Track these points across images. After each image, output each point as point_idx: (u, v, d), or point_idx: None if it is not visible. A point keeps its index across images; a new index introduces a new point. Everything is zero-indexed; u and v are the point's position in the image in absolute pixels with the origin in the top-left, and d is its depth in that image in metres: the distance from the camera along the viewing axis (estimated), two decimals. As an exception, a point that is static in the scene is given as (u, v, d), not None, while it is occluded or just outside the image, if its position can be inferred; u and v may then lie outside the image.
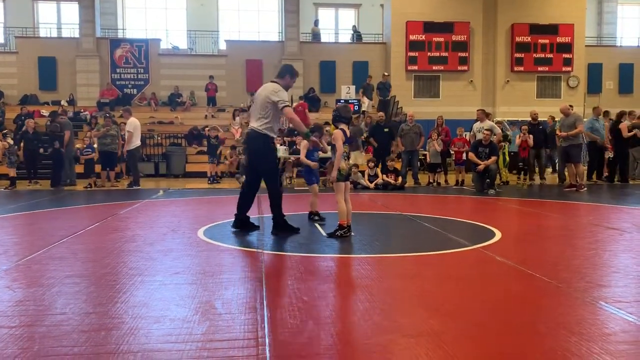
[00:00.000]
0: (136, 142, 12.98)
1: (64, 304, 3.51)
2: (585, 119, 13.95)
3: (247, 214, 6.39)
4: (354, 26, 24.06)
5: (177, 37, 24.03)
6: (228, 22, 24.95)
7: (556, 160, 15.03)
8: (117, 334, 2.94)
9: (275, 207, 6.17)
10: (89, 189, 12.54)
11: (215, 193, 11.75)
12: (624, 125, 13.28)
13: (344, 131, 5.94)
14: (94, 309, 3.41)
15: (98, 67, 21.22)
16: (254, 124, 6.11)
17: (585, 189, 11.42)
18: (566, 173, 12.27)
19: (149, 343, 2.83)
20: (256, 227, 6.40)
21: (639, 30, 25.47)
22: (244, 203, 6.31)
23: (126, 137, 12.75)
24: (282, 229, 6.14)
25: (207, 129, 15.95)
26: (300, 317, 3.22)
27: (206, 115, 19.86)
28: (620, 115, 13.65)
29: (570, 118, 11.77)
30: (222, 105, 20.99)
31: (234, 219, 6.38)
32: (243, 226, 6.33)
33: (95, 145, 13.64)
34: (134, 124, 12.91)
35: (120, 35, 23.21)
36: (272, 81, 6.26)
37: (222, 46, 23.14)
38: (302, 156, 7.42)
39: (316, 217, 7.13)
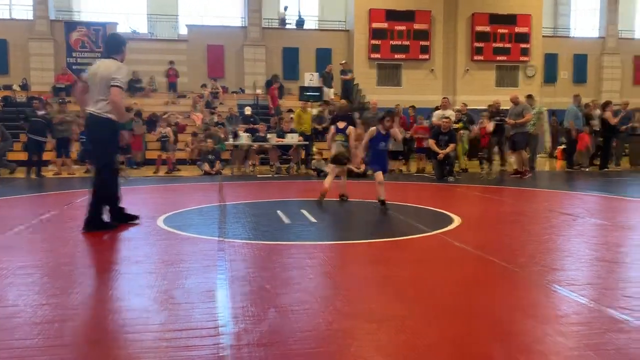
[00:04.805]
0: None
1: (16, 296, 3.39)
2: (542, 109, 14.31)
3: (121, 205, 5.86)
4: (286, 7, 23.40)
5: (136, 21, 23.36)
6: (189, 6, 24.39)
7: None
8: (72, 326, 2.86)
9: (97, 201, 5.55)
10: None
11: (174, 181, 11.55)
12: (609, 113, 13.77)
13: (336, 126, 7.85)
14: (47, 300, 3.30)
15: (52, 50, 20.47)
16: (92, 108, 5.45)
17: (530, 175, 11.76)
18: (512, 159, 12.57)
19: (106, 334, 2.76)
20: (135, 217, 5.90)
21: (592, 22, 26.17)
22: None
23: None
24: (96, 226, 5.51)
25: (165, 115, 15.62)
26: (262, 305, 3.20)
27: (167, 102, 19.46)
28: (606, 105, 14.18)
29: (519, 107, 12.19)
30: (183, 91, 20.57)
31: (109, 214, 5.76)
32: (119, 219, 5.78)
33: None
34: None
35: (75, 18, 22.41)
36: (108, 57, 5.59)
37: (183, 31, 22.63)
38: (365, 142, 7.52)
39: (382, 205, 7.13)
